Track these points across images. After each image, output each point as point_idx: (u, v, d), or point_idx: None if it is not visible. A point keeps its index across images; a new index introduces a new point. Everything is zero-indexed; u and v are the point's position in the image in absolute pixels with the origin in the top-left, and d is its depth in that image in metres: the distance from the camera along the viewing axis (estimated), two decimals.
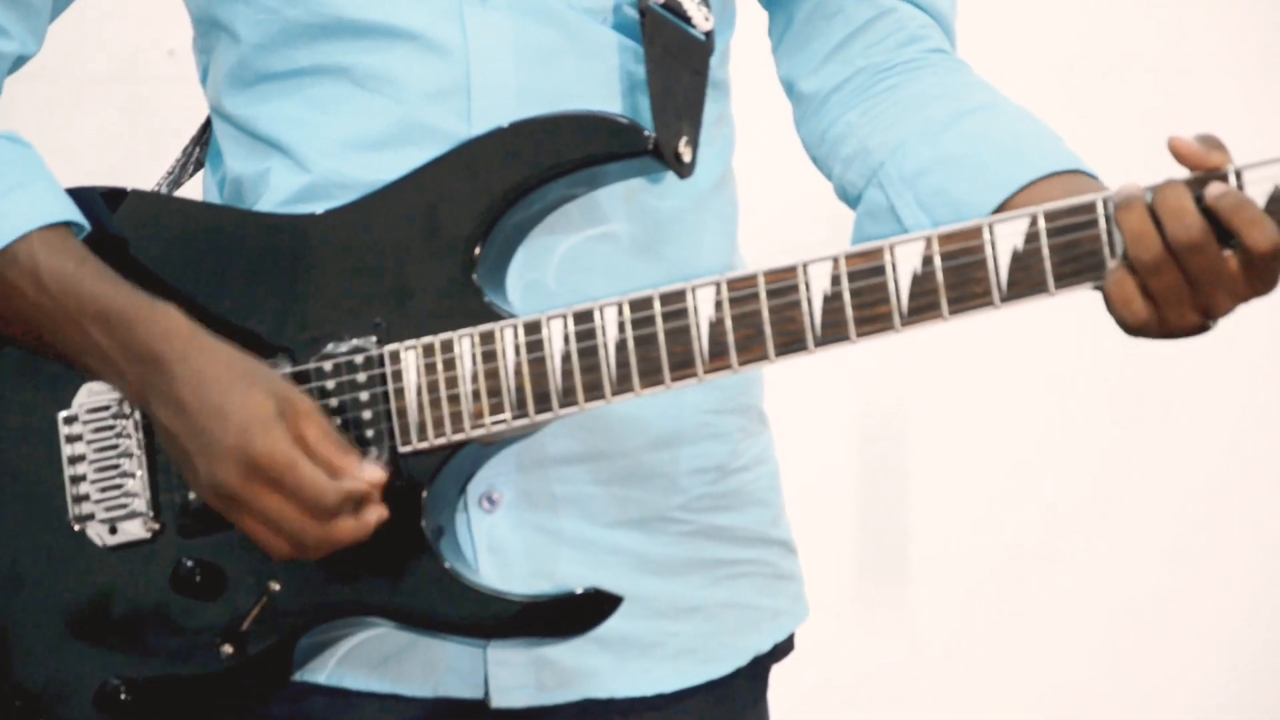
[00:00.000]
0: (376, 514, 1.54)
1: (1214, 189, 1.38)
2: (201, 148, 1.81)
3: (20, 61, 1.71)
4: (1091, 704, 3.31)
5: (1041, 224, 1.43)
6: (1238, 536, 3.32)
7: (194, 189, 1.79)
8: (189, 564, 1.59)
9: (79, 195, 1.62)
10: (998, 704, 3.28)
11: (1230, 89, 3.30)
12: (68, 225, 1.59)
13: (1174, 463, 3.25)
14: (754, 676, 1.77)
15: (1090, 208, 1.41)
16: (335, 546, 1.56)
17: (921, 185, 1.63)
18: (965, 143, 1.63)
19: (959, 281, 1.46)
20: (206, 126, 1.78)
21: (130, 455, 1.63)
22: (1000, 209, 1.55)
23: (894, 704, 3.25)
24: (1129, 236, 1.40)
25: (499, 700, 1.64)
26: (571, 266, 1.63)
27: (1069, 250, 1.44)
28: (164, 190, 1.77)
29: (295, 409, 1.55)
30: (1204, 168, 1.39)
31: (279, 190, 1.64)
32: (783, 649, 1.79)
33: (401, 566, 1.60)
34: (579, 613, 1.58)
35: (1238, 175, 1.38)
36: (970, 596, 3.27)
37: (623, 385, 1.51)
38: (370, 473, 1.54)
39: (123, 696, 1.64)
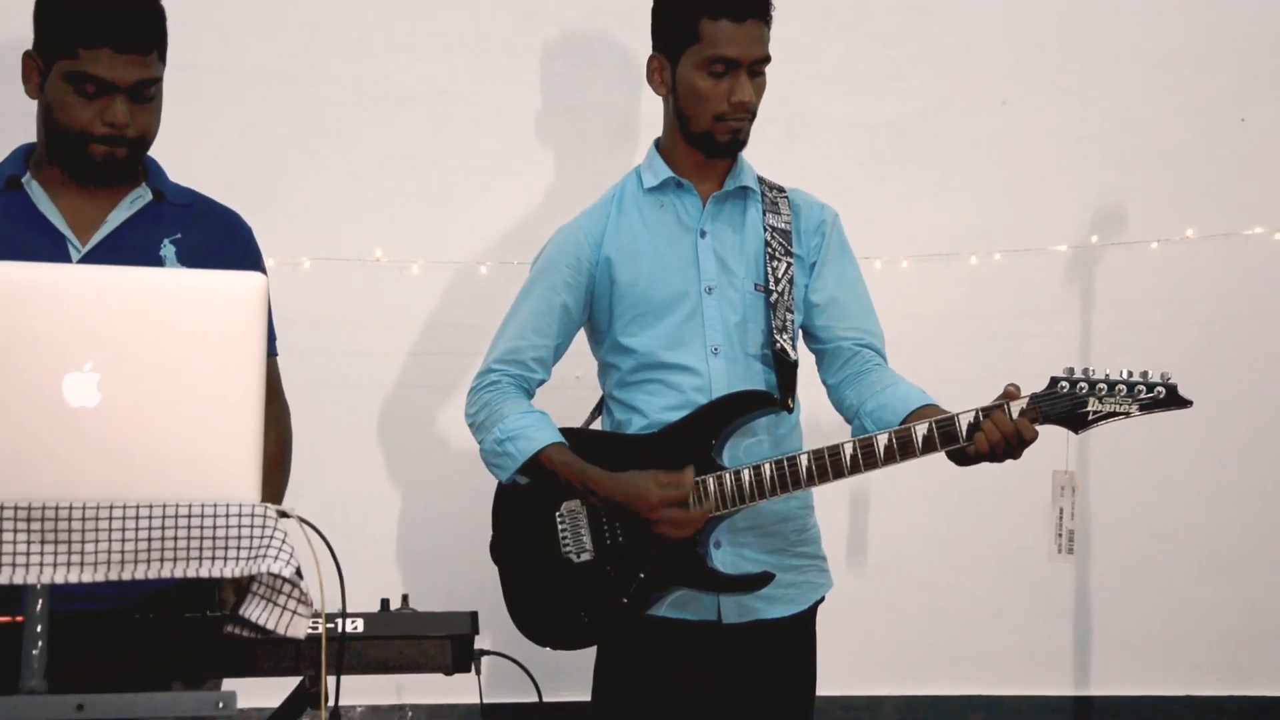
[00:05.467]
0: (701, 509, 2.62)
1: (1017, 415, 2.43)
2: (598, 410, 2.96)
3: (542, 384, 2.87)
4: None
5: (933, 424, 2.52)
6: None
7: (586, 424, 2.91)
8: (609, 569, 2.73)
9: (564, 430, 2.81)
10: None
11: None
12: (561, 442, 2.77)
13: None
14: (812, 612, 2.87)
15: (951, 418, 2.52)
16: (693, 523, 2.61)
17: (874, 416, 2.69)
18: (886, 398, 2.67)
19: (902, 445, 2.54)
20: (601, 401, 2.93)
21: (584, 525, 2.76)
22: (901, 423, 2.60)
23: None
24: (986, 425, 2.45)
25: (726, 620, 2.77)
26: (748, 452, 2.78)
27: (945, 433, 2.52)
28: (585, 427, 2.94)
29: (654, 475, 2.69)
30: (1008, 398, 2.51)
31: (634, 427, 2.81)
32: (821, 600, 2.89)
33: (692, 568, 2.70)
34: (755, 583, 2.71)
35: (1027, 401, 2.46)
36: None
37: (770, 494, 2.66)
38: (689, 478, 2.65)
39: (585, 620, 2.76)
